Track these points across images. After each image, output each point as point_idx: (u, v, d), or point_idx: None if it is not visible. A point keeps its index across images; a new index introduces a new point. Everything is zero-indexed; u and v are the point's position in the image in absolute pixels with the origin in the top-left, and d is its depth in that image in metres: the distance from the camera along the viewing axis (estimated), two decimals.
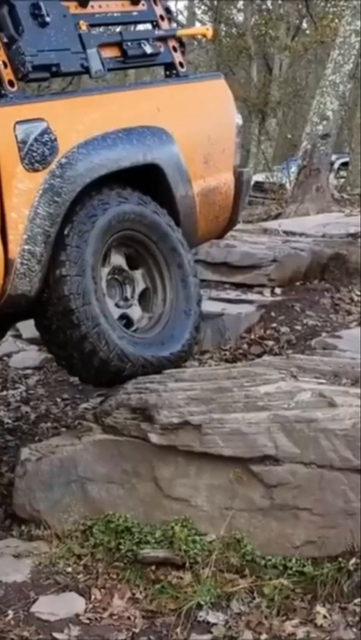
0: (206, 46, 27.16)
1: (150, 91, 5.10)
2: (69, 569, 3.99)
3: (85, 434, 4.41)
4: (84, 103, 4.64)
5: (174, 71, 5.21)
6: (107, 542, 4.07)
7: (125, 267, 4.71)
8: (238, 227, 8.83)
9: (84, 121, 4.50)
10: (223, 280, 7.02)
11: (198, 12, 29.50)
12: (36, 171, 4.26)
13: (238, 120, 5.40)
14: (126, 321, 4.70)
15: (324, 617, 3.61)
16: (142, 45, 5.01)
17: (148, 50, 5.02)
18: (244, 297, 6.71)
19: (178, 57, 5.21)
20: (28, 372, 6.48)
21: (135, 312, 4.74)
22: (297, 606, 3.69)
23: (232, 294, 6.76)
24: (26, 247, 4.21)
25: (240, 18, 27.58)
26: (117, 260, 4.68)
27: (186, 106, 5.09)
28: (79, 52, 4.70)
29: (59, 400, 6.02)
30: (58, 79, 12.18)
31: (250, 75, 26.17)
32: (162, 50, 5.14)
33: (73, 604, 3.79)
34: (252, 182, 20.58)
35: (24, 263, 4.21)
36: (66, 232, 4.34)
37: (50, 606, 3.76)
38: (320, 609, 3.64)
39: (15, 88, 4.38)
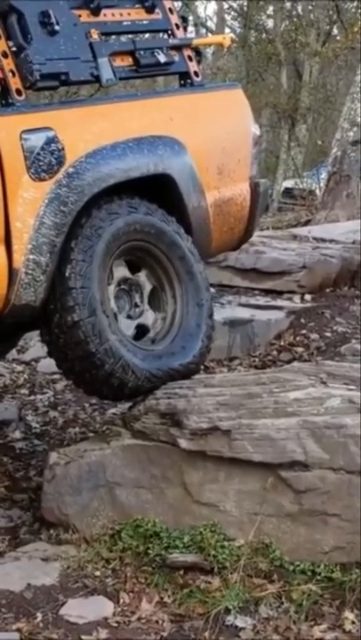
0: (235, 52, 27.24)
1: (163, 100, 5.09)
2: (98, 573, 4.04)
3: (114, 439, 4.46)
4: (94, 112, 4.62)
5: (189, 80, 5.17)
6: (135, 547, 4.12)
7: (129, 274, 4.68)
8: (268, 233, 8.92)
9: (92, 130, 4.48)
10: (253, 286, 7.06)
11: (228, 17, 29.59)
12: (42, 180, 4.25)
13: (256, 130, 5.37)
14: (141, 330, 4.69)
15: (353, 622, 3.64)
16: (156, 54, 4.96)
17: (162, 59, 4.98)
18: (273, 303, 6.76)
19: (193, 66, 5.17)
20: (56, 376, 6.53)
21: (149, 317, 4.72)
22: (325, 612, 3.72)
23: (261, 300, 6.81)
24: (31, 257, 4.20)
25: (270, 24, 27.57)
26: (120, 272, 4.63)
27: (200, 116, 5.05)
28: (89, 60, 4.67)
29: (86, 405, 6.08)
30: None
31: (280, 81, 26.19)
32: (176, 59, 5.09)
33: (101, 607, 3.84)
34: (282, 188, 20.66)
35: (29, 273, 4.20)
36: (72, 243, 4.33)
37: (78, 609, 3.81)
38: (348, 614, 3.67)
39: (23, 97, 4.38)
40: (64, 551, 4.20)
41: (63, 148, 4.31)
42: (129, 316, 4.67)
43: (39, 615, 3.77)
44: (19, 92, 4.37)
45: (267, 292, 6.99)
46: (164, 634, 3.69)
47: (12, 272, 4.18)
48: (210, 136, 5.04)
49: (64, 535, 4.31)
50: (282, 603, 3.77)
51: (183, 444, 4.19)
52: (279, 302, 6.79)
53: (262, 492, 4.03)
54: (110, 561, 4.09)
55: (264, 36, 27.57)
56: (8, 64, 4.36)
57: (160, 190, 4.73)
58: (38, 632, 3.65)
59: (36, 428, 5.89)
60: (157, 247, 4.66)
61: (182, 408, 4.27)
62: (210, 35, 21.27)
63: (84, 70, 4.66)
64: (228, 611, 3.72)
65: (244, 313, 6.43)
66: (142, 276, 4.71)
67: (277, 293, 6.97)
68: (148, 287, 4.72)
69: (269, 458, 4.02)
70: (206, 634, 3.63)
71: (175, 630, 3.71)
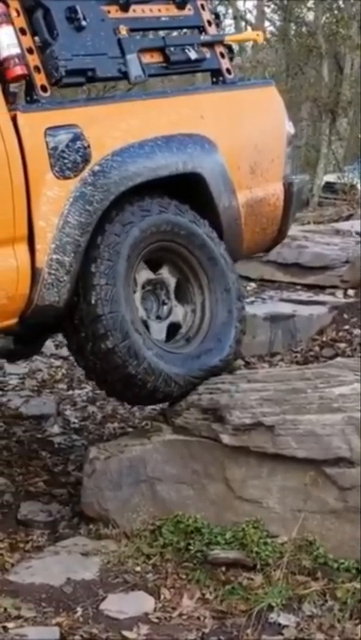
0: (275, 46, 27.15)
1: (194, 97, 5.01)
2: (138, 568, 4.06)
3: (155, 434, 4.47)
4: (121, 109, 4.58)
5: (221, 78, 5.12)
6: (176, 542, 4.13)
7: (152, 275, 4.63)
8: (310, 227, 8.90)
9: (120, 127, 4.44)
10: (294, 281, 7.06)
11: (268, 10, 29.48)
12: (66, 178, 4.21)
13: (290, 129, 5.31)
14: (173, 327, 4.66)
15: None
16: (187, 51, 4.91)
17: (193, 55, 4.93)
18: (315, 298, 6.74)
19: (225, 63, 5.11)
20: None
21: (178, 313, 4.68)
22: None
23: (303, 295, 6.79)
24: (54, 257, 4.16)
25: (310, 16, 27.43)
26: (143, 275, 4.57)
27: (232, 113, 4.99)
28: (117, 56, 4.63)
29: None
30: None
31: (320, 74, 26.03)
32: (208, 56, 5.04)
33: (142, 602, 3.86)
34: (323, 183, 20.57)
35: (52, 273, 4.17)
36: (98, 242, 4.30)
37: (119, 604, 3.83)
38: None
39: (48, 93, 4.36)
40: (104, 546, 4.23)
41: (89, 146, 4.27)
42: (158, 317, 4.64)
43: (79, 610, 3.79)
44: (44, 89, 4.35)
45: (309, 287, 6.97)
46: (206, 630, 3.70)
47: (34, 272, 4.15)
48: (242, 134, 4.99)
49: (104, 530, 4.33)
50: (326, 601, 3.77)
51: (226, 439, 4.20)
52: (321, 297, 6.76)
53: (306, 489, 4.02)
54: (151, 556, 4.11)
55: (304, 29, 27.42)
56: (33, 60, 4.33)
57: (190, 190, 4.68)
58: (78, 627, 3.67)
59: (74, 422, 5.91)
60: (175, 242, 4.60)
61: (225, 403, 4.27)
62: (249, 28, 21.15)
63: (112, 67, 4.63)
64: (270, 608, 3.73)
65: (286, 308, 6.42)
66: (165, 273, 4.67)
67: (320, 288, 6.95)
68: (172, 282, 4.69)
69: (314, 454, 4.02)
70: (248, 631, 3.64)
71: (217, 627, 3.72)
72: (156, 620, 3.76)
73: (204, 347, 4.60)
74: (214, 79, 5.18)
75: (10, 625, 3.63)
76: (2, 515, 4.68)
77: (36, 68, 4.34)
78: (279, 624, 3.67)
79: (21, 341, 4.72)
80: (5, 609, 3.73)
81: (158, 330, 4.58)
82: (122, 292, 4.29)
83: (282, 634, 3.61)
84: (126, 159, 4.36)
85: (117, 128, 4.43)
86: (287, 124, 5.28)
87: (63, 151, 4.21)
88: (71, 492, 4.91)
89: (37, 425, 5.83)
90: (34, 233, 4.15)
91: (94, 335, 4.27)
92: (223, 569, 3.98)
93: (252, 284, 7.18)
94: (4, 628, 3.60)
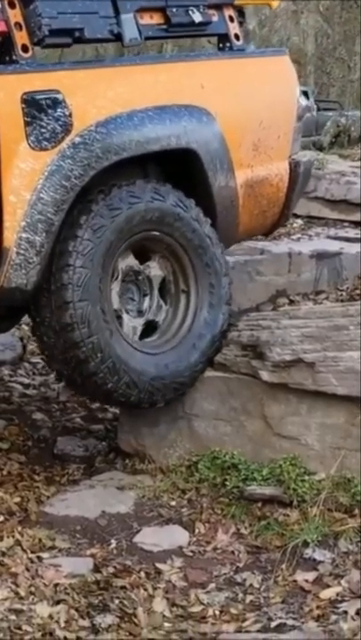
0: None
1: (195, 64, 4.72)
2: (173, 502, 4.18)
3: None
4: (110, 75, 4.28)
5: (228, 44, 4.82)
6: (212, 478, 4.24)
7: (138, 266, 4.38)
8: (360, 163, 8.83)
9: (107, 95, 4.14)
10: (342, 218, 7.06)
11: None
12: (43, 149, 3.94)
13: (302, 101, 5.05)
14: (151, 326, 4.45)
15: None
16: (190, 13, 4.62)
17: (198, 18, 4.63)
18: None
19: (234, 28, 4.81)
20: None
21: (159, 311, 4.45)
22: None
23: (351, 233, 6.81)
24: (24, 235, 3.91)
25: None
26: (127, 262, 4.33)
27: (237, 84, 4.71)
28: (110, 16, 4.34)
29: None
30: None
31: None
32: (215, 19, 4.75)
33: (176, 536, 3.99)
34: None
35: (21, 253, 3.92)
36: (81, 221, 4.07)
37: (153, 537, 3.95)
38: None
39: (29, 54, 4.04)
40: (139, 480, 4.35)
41: (70, 115, 4.00)
42: (139, 311, 4.41)
43: (113, 542, 3.93)
44: (25, 49, 4.03)
45: (357, 224, 6.97)
46: (240, 564, 3.81)
47: (1, 251, 3.94)
48: (246, 108, 4.72)
49: (140, 465, 4.46)
50: None
51: (265, 376, 4.28)
52: None
53: (346, 426, 4.11)
54: (186, 491, 4.23)
55: None
56: (14, 16, 4.03)
57: (183, 167, 4.46)
58: (112, 558, 3.81)
59: None
60: (166, 233, 4.36)
61: (265, 340, 4.33)
62: None
63: (103, 27, 4.35)
64: (306, 544, 3.82)
65: (333, 246, 6.44)
66: (153, 265, 4.43)
67: None
68: (159, 276, 4.44)
69: (355, 391, 4.08)
70: (283, 566, 3.74)
71: (251, 562, 3.83)
72: (189, 554, 3.88)
73: (176, 353, 4.38)
74: (220, 45, 4.90)
75: (44, 555, 3.77)
76: (39, 449, 4.82)
77: (18, 25, 4.04)
78: (314, 560, 3.76)
79: None
80: (40, 540, 3.87)
81: (133, 326, 4.37)
82: (97, 279, 4.06)
83: (317, 569, 3.70)
84: (112, 131, 4.08)
85: (104, 96, 4.15)
86: (298, 97, 5.01)
87: (41, 119, 3.95)
88: (108, 428, 5.05)
89: None
90: (2, 208, 3.91)
91: (59, 323, 4.07)
92: (259, 505, 4.09)
93: (299, 221, 7.20)
94: (39, 557, 3.74)
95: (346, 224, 7.01)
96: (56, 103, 3.99)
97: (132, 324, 4.36)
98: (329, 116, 16.69)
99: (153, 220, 4.26)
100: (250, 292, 5.88)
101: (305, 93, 23.41)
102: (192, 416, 4.45)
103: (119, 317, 4.28)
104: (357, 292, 5.85)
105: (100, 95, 4.15)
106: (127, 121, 4.15)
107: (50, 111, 3.97)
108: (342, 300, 5.81)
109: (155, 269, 4.42)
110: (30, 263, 3.96)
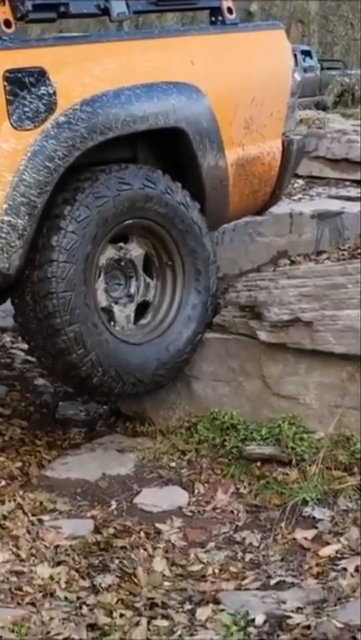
0: None
1: (184, 40, 4.60)
2: (173, 464, 4.23)
3: None
4: (97, 51, 4.14)
5: (220, 18, 4.73)
6: (211, 439, 4.29)
7: (117, 253, 4.32)
8: None
9: (93, 72, 4.03)
10: (343, 177, 7.04)
11: None
12: (25, 129, 3.83)
13: (297, 76, 4.94)
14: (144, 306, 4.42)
15: None
16: None
17: None
18: None
19: (226, 1, 4.71)
20: None
21: (149, 290, 4.42)
22: None
23: (353, 192, 6.78)
24: (5, 218, 3.81)
25: None
26: (107, 255, 4.26)
27: (228, 60, 4.59)
28: None
29: None
30: None
31: None
32: None
33: (176, 496, 4.03)
34: None
35: (2, 237, 3.83)
36: (65, 212, 3.98)
37: (153, 498, 4.00)
38: None
39: (12, 29, 3.92)
40: (140, 443, 4.40)
41: (55, 93, 3.89)
42: (129, 296, 4.36)
43: (113, 503, 3.98)
44: (7, 24, 3.91)
45: (358, 182, 6.96)
46: (239, 523, 3.86)
47: None
48: (238, 84, 4.61)
49: (140, 428, 4.51)
50: None
51: (263, 336, 4.31)
52: None
53: (344, 385, 4.14)
54: (186, 452, 4.28)
55: None
56: None
57: (170, 146, 4.38)
58: (112, 519, 3.85)
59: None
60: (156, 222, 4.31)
61: (263, 300, 4.36)
62: None
63: (89, 1, 4.29)
64: (305, 502, 3.86)
65: (334, 205, 6.41)
66: (132, 247, 4.36)
67: None
68: (139, 254, 4.39)
69: (353, 349, 4.12)
70: (283, 524, 3.78)
71: (250, 520, 3.87)
72: (189, 514, 3.93)
73: (163, 343, 4.36)
74: (212, 19, 4.80)
75: (45, 517, 3.82)
76: (40, 415, 4.87)
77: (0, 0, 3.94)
78: (314, 518, 3.80)
79: None
80: (41, 502, 3.93)
81: (127, 315, 4.34)
82: (81, 273, 3.98)
83: (316, 527, 3.74)
84: (97, 110, 3.97)
85: (90, 73, 4.03)
86: (293, 72, 4.93)
87: (24, 97, 3.84)
88: None
89: None
90: None
91: (43, 311, 3.99)
92: (258, 464, 4.13)
93: (300, 181, 7.19)
94: (40, 520, 3.79)
95: (347, 183, 6.99)
96: (40, 81, 3.88)
97: (125, 313, 4.33)
98: (333, 75, 16.60)
99: (140, 208, 4.18)
100: (251, 253, 5.87)
101: (308, 53, 23.46)
102: (191, 378, 4.48)
103: (110, 312, 4.25)
104: (359, 251, 5.85)
105: (86, 72, 4.04)
106: (113, 99, 4.04)
107: (33, 89, 3.86)
108: (344, 260, 5.82)
109: (135, 250, 4.36)
110: (12, 247, 3.86)
